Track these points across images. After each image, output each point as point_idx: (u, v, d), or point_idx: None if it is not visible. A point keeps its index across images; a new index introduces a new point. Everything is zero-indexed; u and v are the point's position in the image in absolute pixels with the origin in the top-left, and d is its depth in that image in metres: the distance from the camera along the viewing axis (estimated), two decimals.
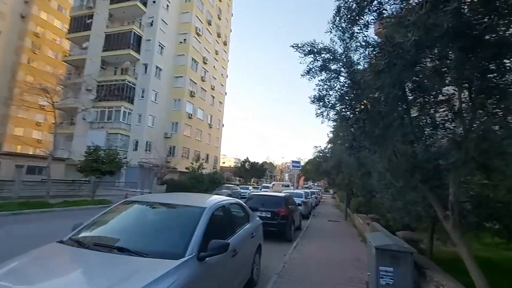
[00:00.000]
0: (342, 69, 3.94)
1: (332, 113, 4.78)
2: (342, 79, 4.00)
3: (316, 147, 17.74)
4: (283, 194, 9.89)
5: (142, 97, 34.18)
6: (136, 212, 3.60)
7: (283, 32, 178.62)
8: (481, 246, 6.66)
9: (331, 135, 15.18)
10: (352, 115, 3.50)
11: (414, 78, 2.93)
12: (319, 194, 34.78)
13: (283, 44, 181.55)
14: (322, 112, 4.69)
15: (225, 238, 3.48)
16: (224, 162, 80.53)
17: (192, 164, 27.54)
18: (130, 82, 33.89)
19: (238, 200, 5.11)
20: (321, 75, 4.17)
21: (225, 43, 50.08)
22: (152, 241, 2.96)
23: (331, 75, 4.00)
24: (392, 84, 3.00)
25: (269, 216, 8.84)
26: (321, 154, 16.47)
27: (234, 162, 64.48)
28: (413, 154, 3.14)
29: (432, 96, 3.06)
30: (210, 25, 43.83)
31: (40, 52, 46.34)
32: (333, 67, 4.10)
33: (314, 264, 6.27)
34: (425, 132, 3.15)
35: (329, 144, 15.38)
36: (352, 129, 3.42)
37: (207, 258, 2.84)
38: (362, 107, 3.42)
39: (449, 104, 2.96)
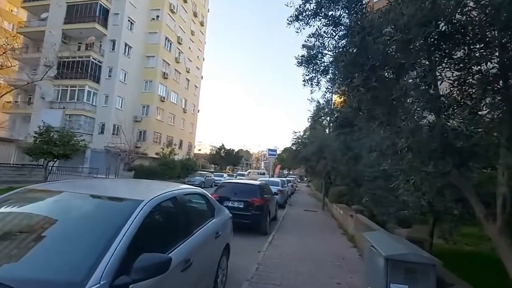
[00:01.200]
0: (344, 13, 2.87)
1: (324, 80, 3.73)
2: (342, 27, 2.94)
3: (295, 132, 16.91)
4: (258, 182, 8.91)
5: (110, 76, 31.45)
6: (29, 208, 2.32)
7: (263, 16, 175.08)
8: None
9: (311, 121, 14.37)
10: (358, 73, 2.47)
11: (458, 11, 1.94)
12: (294, 183, 34.53)
13: (264, 28, 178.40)
14: (311, 78, 3.64)
15: (173, 245, 2.37)
16: (200, 149, 78.51)
17: (163, 149, 25.88)
18: (95, 59, 30.96)
19: (199, 190, 3.98)
20: (314, 23, 3.08)
21: (202, 24, 47.50)
22: (33, 263, 1.73)
23: (328, 21, 2.92)
24: (423, 21, 1.98)
25: (242, 206, 7.83)
26: (299, 140, 15.63)
27: (210, 149, 62.81)
28: (444, 127, 2.20)
29: (482, 44, 2.09)
30: (186, 2, 41.12)
31: None
32: (331, 13, 3.03)
33: (293, 264, 5.36)
34: (467, 96, 2.21)
35: (309, 130, 14.52)
36: (357, 93, 2.39)
37: (131, 286, 1.72)
38: (372, 62, 2.39)
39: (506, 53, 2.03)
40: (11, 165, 14.98)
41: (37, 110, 30.72)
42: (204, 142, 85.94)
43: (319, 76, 3.55)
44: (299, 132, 16.37)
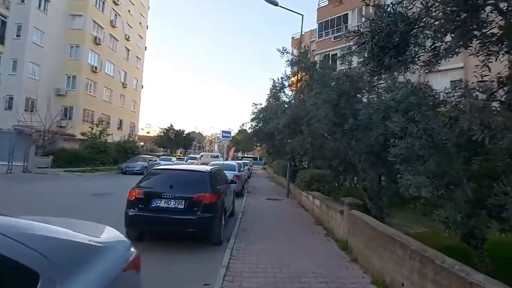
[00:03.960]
0: None
1: None
2: None
3: (256, 104, 13.95)
4: (209, 168, 6.00)
5: (18, 36, 24.80)
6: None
7: None
8: None
9: (277, 87, 11.60)
10: None
11: None
12: (251, 166, 32.28)
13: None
14: None
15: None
16: (148, 132, 71.63)
17: (92, 129, 21.05)
18: None
19: None
20: None
21: None
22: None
23: None
24: None
25: (182, 207, 4.92)
26: (261, 115, 12.81)
27: (160, 131, 57.18)
28: None
29: None
30: None
31: None
32: None
33: None
34: None
35: (274, 100, 11.75)
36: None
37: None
38: None
39: None
40: None
41: None
42: (155, 125, 78.58)
43: None
44: (260, 104, 13.64)
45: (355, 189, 6.95)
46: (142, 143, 59.50)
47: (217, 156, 43.71)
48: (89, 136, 20.63)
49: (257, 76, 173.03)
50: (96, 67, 30.27)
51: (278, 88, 11.70)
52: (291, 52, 8.83)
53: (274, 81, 11.63)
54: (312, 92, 6.37)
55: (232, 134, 62.37)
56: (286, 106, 10.88)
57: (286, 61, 9.11)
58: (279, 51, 8.50)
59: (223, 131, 56.40)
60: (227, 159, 43.70)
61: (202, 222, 4.89)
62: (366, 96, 5.32)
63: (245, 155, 65.32)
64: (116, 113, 34.99)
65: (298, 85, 9.29)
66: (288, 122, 8.16)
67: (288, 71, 11.47)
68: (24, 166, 18.03)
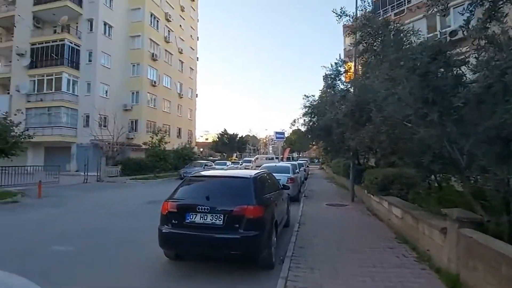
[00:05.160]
0: None
1: None
2: None
3: (307, 97, 12.13)
4: (253, 173, 5.02)
5: (90, 61, 27.72)
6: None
7: None
8: None
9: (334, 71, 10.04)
10: None
11: None
12: (307, 166, 30.57)
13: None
14: None
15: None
16: (207, 139, 75.02)
17: (152, 138, 22.21)
18: (72, 43, 27.18)
19: None
20: None
21: None
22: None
23: None
24: None
25: (221, 223, 4.04)
26: (312, 110, 11.27)
27: (215, 137, 59.18)
28: None
29: None
30: None
31: None
32: None
33: None
34: None
35: (330, 87, 10.17)
36: None
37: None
38: None
39: None
40: None
41: (14, 105, 27.40)
42: (212, 131, 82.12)
43: None
44: (313, 96, 12.07)
45: (455, 195, 5.13)
46: (201, 149, 62.49)
47: (272, 158, 42.93)
48: (150, 145, 21.76)
49: (311, 72, 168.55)
50: (155, 81, 32.34)
51: (332, 76, 10.22)
52: (351, 16, 7.04)
53: (327, 68, 10.20)
54: (386, 64, 4.80)
55: (286, 135, 61.29)
56: (346, 90, 9.18)
57: (345, 28, 7.59)
58: (335, 13, 6.68)
59: (276, 132, 55.57)
60: (282, 160, 42.72)
61: (245, 242, 3.97)
62: (476, 54, 3.61)
63: (300, 155, 63.37)
64: (175, 122, 36.92)
65: (363, 59, 7.60)
66: (351, 110, 6.55)
67: (348, 41, 9.83)
68: (97, 175, 19.71)
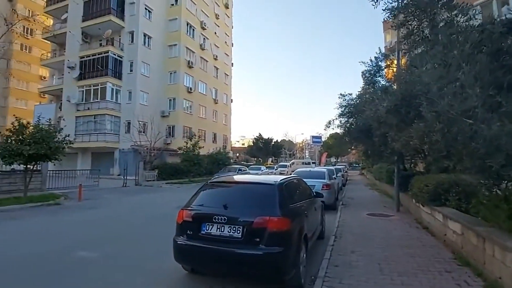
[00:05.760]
0: None
1: None
2: None
3: (343, 95, 11.01)
4: (279, 179, 4.40)
5: (131, 71, 29.28)
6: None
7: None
8: None
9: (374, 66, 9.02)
10: None
11: None
12: (345, 171, 28.82)
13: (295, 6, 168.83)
14: None
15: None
16: (243, 144, 75.51)
17: (187, 143, 22.56)
18: (115, 54, 28.98)
19: None
20: None
21: (226, 6, 43.59)
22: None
23: None
24: None
25: (239, 236, 3.49)
26: (350, 109, 10.21)
27: (250, 141, 59.19)
28: None
29: None
30: None
31: (33, 37, 42.11)
32: None
33: None
34: None
35: (370, 83, 9.09)
36: None
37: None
38: None
39: None
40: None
41: (65, 114, 29.86)
42: (249, 136, 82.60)
43: None
44: (350, 94, 10.94)
45: None
46: (237, 154, 62.92)
47: (309, 163, 41.59)
48: (184, 150, 22.11)
49: (349, 75, 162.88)
50: (190, 88, 33.19)
51: (372, 72, 9.20)
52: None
53: (366, 63, 9.19)
54: (438, 47, 3.89)
55: (323, 139, 59.24)
56: (389, 85, 8.08)
57: (385, 24, 6.67)
58: None
59: (313, 136, 54.01)
60: (319, 165, 41.06)
61: (267, 260, 3.37)
62: None
63: (338, 160, 60.76)
64: (210, 127, 37.51)
65: (407, 45, 6.50)
66: (395, 105, 5.51)
67: (389, 38, 8.83)
68: (136, 179, 20.43)
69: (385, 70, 10.21)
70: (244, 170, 25.04)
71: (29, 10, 41.98)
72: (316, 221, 5.57)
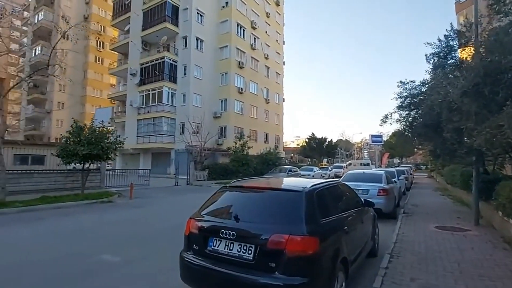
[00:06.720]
0: None
1: None
2: None
3: (404, 83, 9.10)
4: (311, 183, 3.47)
5: (185, 74, 30.60)
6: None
7: None
8: None
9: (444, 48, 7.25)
10: None
11: None
12: (410, 174, 25.46)
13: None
14: None
15: None
16: (298, 144, 73.99)
17: (236, 143, 22.48)
18: (170, 59, 30.63)
19: None
20: None
21: (277, 3, 42.88)
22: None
23: None
24: None
25: (250, 258, 2.70)
26: (415, 97, 8.37)
27: (303, 141, 57.42)
28: None
29: None
30: None
31: (104, 50, 47.61)
32: None
33: None
34: None
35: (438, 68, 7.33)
36: None
37: None
38: None
39: None
40: (60, 171, 13.89)
41: (129, 117, 32.68)
42: (303, 136, 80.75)
43: None
44: (413, 82, 8.98)
45: None
46: (291, 155, 61.73)
47: (368, 164, 38.44)
48: (233, 150, 22.06)
49: (412, 71, 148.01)
50: (241, 88, 33.35)
51: (441, 54, 7.43)
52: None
53: (433, 44, 7.44)
54: None
55: (385, 138, 54.36)
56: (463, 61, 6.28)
57: (457, 5, 5.31)
58: None
59: (372, 135, 49.90)
60: (380, 166, 37.53)
61: None
62: None
63: (403, 161, 55.08)
64: (262, 127, 37.22)
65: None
66: (474, 84, 3.94)
67: (462, 19, 6.98)
68: (187, 179, 21.06)
69: (459, 51, 8.24)
70: (295, 171, 23.99)
71: (101, 26, 47.51)
72: (364, 238, 4.41)
